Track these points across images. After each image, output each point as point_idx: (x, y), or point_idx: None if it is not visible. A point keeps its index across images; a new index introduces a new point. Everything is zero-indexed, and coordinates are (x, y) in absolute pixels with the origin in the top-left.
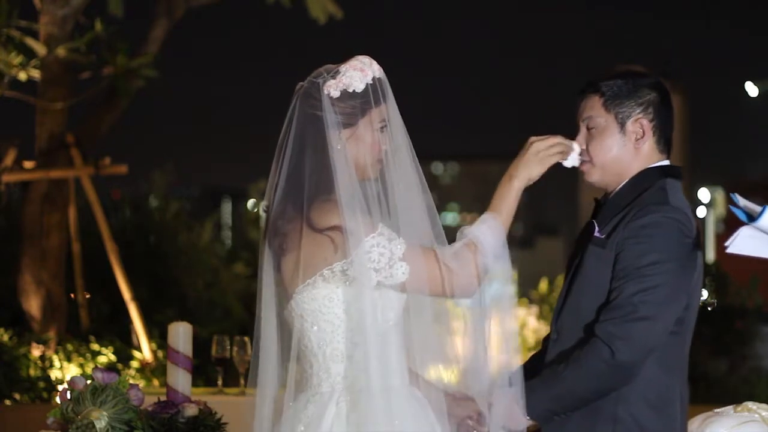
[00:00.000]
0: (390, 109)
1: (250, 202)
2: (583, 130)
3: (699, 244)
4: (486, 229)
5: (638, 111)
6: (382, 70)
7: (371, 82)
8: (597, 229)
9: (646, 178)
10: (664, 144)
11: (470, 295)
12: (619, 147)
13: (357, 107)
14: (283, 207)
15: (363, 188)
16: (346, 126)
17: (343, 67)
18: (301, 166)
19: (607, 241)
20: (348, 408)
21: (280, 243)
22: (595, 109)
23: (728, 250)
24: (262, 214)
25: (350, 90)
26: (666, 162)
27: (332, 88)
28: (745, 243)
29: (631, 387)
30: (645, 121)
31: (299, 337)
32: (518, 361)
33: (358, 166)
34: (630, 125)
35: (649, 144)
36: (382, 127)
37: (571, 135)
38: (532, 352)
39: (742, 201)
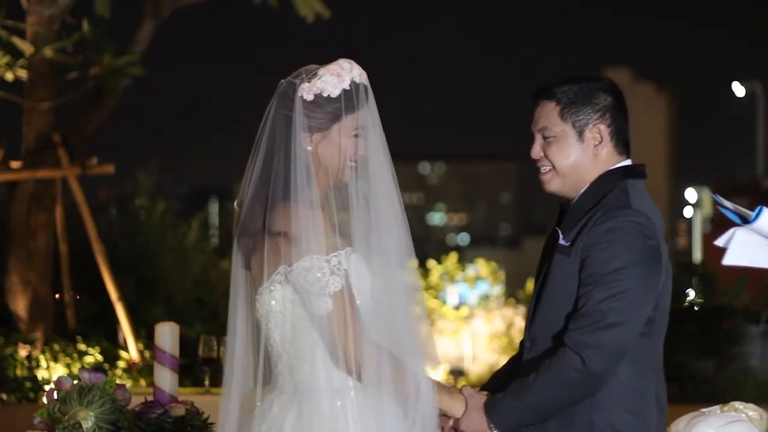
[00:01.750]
0: (368, 115)
1: (236, 202)
2: (539, 139)
3: (661, 246)
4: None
5: (595, 117)
6: (364, 74)
7: (347, 87)
8: (561, 236)
9: (607, 180)
10: (623, 146)
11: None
12: (577, 154)
13: (330, 112)
14: (252, 207)
15: (337, 194)
16: (317, 130)
17: (321, 70)
18: (270, 166)
19: (572, 249)
20: (307, 408)
21: (248, 243)
22: (550, 119)
23: (725, 262)
24: (236, 210)
25: (324, 95)
26: (627, 162)
27: (305, 92)
28: (740, 252)
29: (604, 392)
30: (602, 127)
31: (265, 337)
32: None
33: (330, 170)
34: (588, 132)
35: (607, 149)
36: (357, 134)
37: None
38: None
39: (727, 202)
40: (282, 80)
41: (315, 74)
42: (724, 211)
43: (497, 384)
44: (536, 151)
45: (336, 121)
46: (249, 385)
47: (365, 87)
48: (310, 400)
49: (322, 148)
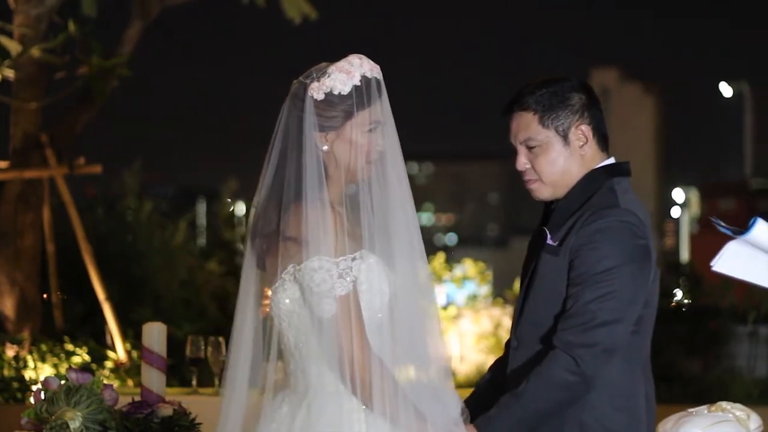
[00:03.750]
0: (383, 109)
1: (226, 201)
2: (523, 151)
3: (651, 245)
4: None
5: (575, 118)
6: (376, 68)
7: (358, 83)
8: (549, 236)
9: (594, 180)
10: (603, 142)
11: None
12: (565, 158)
13: (342, 110)
14: (265, 208)
15: (353, 194)
16: (330, 129)
17: (330, 68)
18: (284, 167)
19: (560, 249)
20: (316, 409)
21: (262, 244)
22: (531, 129)
23: (714, 268)
24: (252, 210)
25: (335, 92)
26: (611, 160)
27: (315, 91)
28: (731, 263)
29: (595, 391)
30: (584, 126)
31: (279, 337)
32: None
33: (348, 168)
34: (572, 134)
35: (592, 148)
36: (371, 129)
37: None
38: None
39: (723, 224)
40: (294, 81)
41: (324, 73)
42: (721, 229)
43: (480, 400)
44: (522, 163)
45: (349, 118)
46: (252, 384)
47: (377, 81)
48: (319, 401)
49: (337, 146)
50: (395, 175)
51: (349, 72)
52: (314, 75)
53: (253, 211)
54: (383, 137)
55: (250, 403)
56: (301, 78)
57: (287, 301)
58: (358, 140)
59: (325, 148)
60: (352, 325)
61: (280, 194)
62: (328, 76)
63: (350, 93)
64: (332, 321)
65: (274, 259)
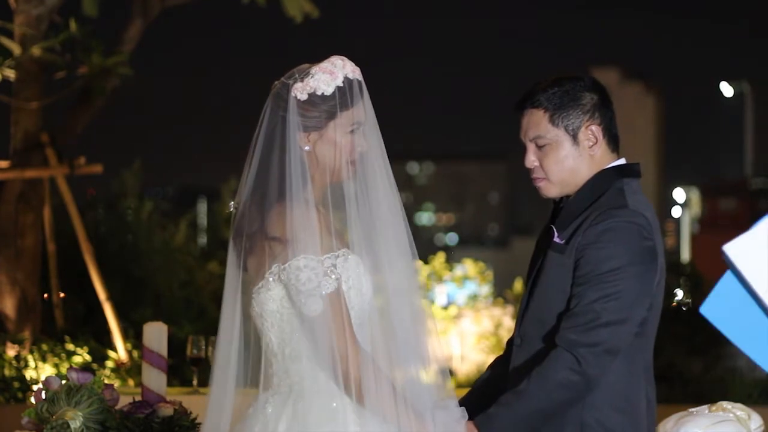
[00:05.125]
0: (364, 110)
1: (233, 203)
2: (532, 148)
3: (657, 246)
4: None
5: (586, 118)
6: (358, 70)
7: (341, 84)
8: (556, 234)
9: (603, 180)
10: (614, 143)
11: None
12: (574, 158)
13: (325, 111)
14: (247, 207)
15: (335, 193)
16: (313, 129)
17: (313, 69)
18: (267, 167)
19: (567, 247)
20: (302, 409)
21: (244, 244)
22: (541, 127)
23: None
24: (233, 211)
25: (318, 93)
26: (621, 161)
27: (299, 91)
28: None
29: (596, 391)
30: (594, 127)
31: (261, 337)
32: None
33: (329, 169)
34: (581, 134)
35: (601, 148)
36: (353, 130)
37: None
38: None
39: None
40: (275, 81)
41: (308, 73)
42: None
43: (478, 397)
44: (531, 161)
45: (332, 118)
46: (239, 385)
47: (359, 82)
48: (305, 401)
49: (319, 147)
50: (378, 174)
51: (333, 73)
52: (297, 76)
53: (233, 211)
54: (364, 138)
55: (235, 405)
56: (283, 78)
57: (271, 301)
58: (339, 141)
59: (307, 148)
60: (339, 322)
61: (263, 194)
62: (312, 77)
63: (333, 94)
64: (319, 319)
65: (257, 259)
